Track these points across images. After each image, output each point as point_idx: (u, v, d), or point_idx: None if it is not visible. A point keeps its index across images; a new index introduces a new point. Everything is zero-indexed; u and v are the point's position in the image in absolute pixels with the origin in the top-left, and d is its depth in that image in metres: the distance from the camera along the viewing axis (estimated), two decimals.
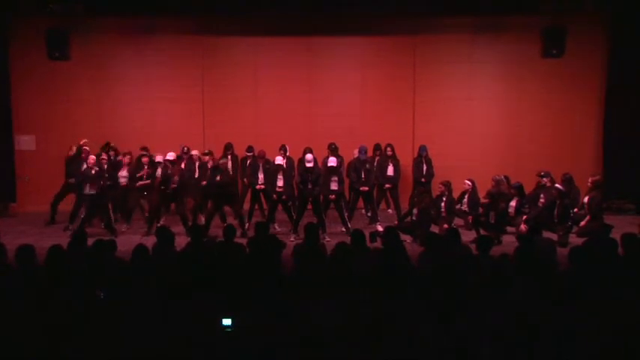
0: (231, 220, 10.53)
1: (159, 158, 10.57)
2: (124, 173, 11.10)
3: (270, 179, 10.44)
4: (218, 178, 10.27)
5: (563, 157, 12.59)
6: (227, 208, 10.79)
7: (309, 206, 10.19)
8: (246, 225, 10.53)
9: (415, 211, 10.01)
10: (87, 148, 11.01)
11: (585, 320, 4.82)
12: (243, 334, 4.85)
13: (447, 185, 10.36)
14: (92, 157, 10.42)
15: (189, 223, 9.97)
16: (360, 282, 5.47)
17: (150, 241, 7.71)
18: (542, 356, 4.74)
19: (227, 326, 4.85)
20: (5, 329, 4.89)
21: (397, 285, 5.54)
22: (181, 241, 7.65)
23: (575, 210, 10.34)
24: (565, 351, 4.71)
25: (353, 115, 13.16)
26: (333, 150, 11.53)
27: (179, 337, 4.83)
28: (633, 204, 12.30)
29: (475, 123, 13.12)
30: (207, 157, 11.00)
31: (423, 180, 11.71)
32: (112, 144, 11.87)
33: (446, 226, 9.69)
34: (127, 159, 11.27)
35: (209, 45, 13.08)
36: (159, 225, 9.75)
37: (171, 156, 10.61)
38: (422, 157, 11.88)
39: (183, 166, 11.24)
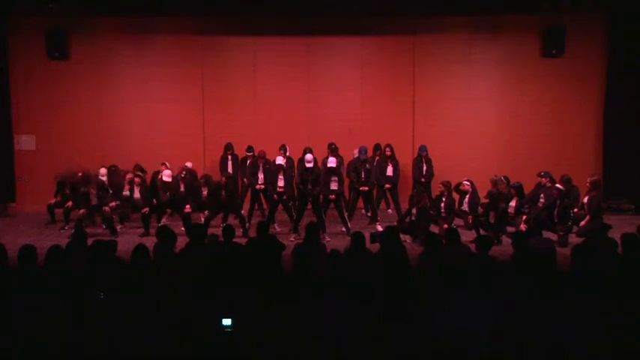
0: (230, 220, 10.54)
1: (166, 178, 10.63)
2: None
3: (271, 179, 10.45)
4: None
5: (562, 157, 12.61)
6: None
7: (309, 206, 10.19)
8: (247, 225, 10.56)
9: (414, 211, 10.02)
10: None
11: (585, 320, 4.82)
12: (243, 334, 4.86)
13: (447, 185, 10.37)
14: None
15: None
16: (360, 282, 5.47)
17: (149, 241, 7.72)
18: (542, 356, 4.75)
19: (227, 326, 4.85)
20: (5, 329, 4.89)
21: (397, 285, 5.54)
22: (181, 241, 7.64)
23: (575, 210, 10.34)
24: (565, 351, 4.72)
25: (353, 114, 13.16)
26: (333, 150, 11.54)
27: (179, 337, 4.83)
28: (633, 204, 12.31)
29: (475, 123, 13.12)
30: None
31: (422, 180, 11.71)
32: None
33: (446, 226, 9.69)
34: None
35: (209, 45, 13.08)
36: (160, 225, 9.75)
37: (167, 177, 10.64)
38: (422, 157, 11.88)
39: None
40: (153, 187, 10.74)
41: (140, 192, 10.76)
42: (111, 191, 10.85)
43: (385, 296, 5.28)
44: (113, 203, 10.66)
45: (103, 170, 11.17)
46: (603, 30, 12.81)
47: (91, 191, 10.36)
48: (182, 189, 10.81)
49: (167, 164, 11.18)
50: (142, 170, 11.40)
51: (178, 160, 11.58)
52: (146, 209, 10.40)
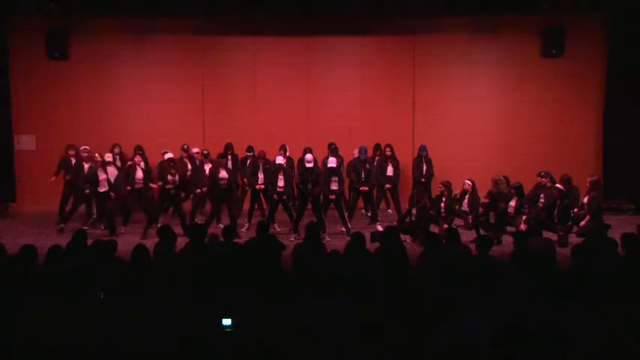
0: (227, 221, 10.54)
1: (168, 155, 10.58)
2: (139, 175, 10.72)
3: (271, 179, 10.46)
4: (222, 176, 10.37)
5: (562, 157, 12.61)
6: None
7: (309, 206, 10.20)
8: (247, 226, 10.63)
9: (414, 211, 10.02)
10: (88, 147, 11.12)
11: (585, 320, 4.82)
12: (243, 334, 4.86)
13: (447, 185, 10.37)
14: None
15: (188, 224, 9.97)
16: (360, 282, 5.48)
17: (149, 242, 7.72)
18: (542, 356, 4.75)
19: (227, 326, 4.86)
20: (5, 329, 4.89)
21: (397, 285, 5.54)
22: (181, 242, 7.64)
23: (575, 210, 10.35)
24: (565, 351, 4.72)
25: (353, 114, 13.16)
26: (333, 150, 11.53)
27: (179, 337, 4.83)
28: (633, 204, 12.31)
29: (475, 123, 13.12)
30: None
31: (422, 180, 11.71)
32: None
33: (446, 226, 9.69)
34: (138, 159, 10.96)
35: (209, 45, 13.08)
36: (159, 226, 9.73)
37: (169, 155, 10.62)
38: (422, 157, 11.87)
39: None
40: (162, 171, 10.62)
41: (143, 171, 10.65)
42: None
43: (385, 296, 5.28)
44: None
45: (109, 155, 10.88)
46: (603, 30, 12.81)
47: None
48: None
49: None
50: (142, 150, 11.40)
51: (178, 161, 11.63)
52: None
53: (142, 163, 10.81)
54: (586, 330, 4.75)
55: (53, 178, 11.25)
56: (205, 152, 11.18)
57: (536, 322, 4.84)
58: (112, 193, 10.46)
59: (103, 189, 10.34)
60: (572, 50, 12.77)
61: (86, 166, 10.94)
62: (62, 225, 10.66)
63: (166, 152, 10.91)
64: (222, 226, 9.65)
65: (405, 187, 12.07)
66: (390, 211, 12.08)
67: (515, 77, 13.11)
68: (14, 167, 12.78)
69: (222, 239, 7.29)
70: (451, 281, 5.36)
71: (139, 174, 10.59)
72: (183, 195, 10.88)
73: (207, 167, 10.84)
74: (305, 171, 10.21)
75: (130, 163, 11.15)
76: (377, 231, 8.81)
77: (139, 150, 11.27)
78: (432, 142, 12.23)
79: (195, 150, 11.79)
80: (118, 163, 11.34)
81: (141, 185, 10.62)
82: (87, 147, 11.16)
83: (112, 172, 10.69)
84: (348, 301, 5.06)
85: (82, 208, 11.13)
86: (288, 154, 11.42)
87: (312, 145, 11.73)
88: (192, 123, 13.07)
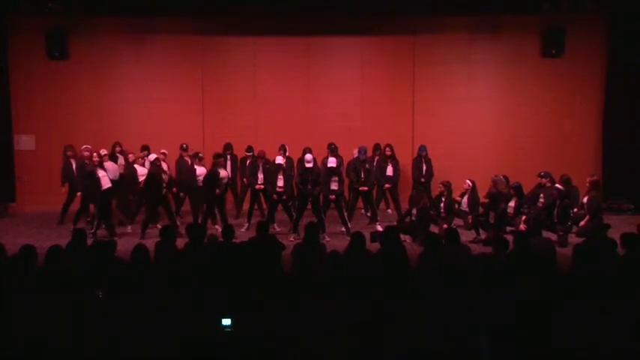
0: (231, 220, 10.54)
1: (151, 157, 10.59)
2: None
3: (271, 179, 10.46)
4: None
5: (562, 157, 12.62)
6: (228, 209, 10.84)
7: (309, 206, 10.20)
8: (247, 226, 10.63)
9: (414, 211, 10.03)
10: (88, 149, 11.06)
11: (585, 320, 4.82)
12: (244, 334, 4.86)
13: (447, 185, 10.38)
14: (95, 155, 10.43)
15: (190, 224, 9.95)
16: (360, 282, 5.48)
17: (149, 242, 7.72)
18: (542, 356, 4.75)
19: (227, 326, 4.86)
20: (6, 328, 4.89)
21: (397, 285, 5.55)
22: (181, 242, 7.64)
23: (575, 210, 10.35)
24: (565, 351, 4.72)
25: (352, 115, 13.16)
26: (332, 150, 11.53)
27: (179, 336, 4.84)
28: (632, 204, 12.31)
29: (474, 123, 13.12)
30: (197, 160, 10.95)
31: (422, 180, 11.71)
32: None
33: (445, 226, 9.69)
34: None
35: (209, 45, 13.07)
36: (161, 226, 9.71)
37: (152, 157, 10.60)
38: (421, 157, 11.87)
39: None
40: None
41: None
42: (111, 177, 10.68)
43: (385, 296, 5.29)
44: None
45: (104, 150, 10.88)
46: (603, 30, 12.81)
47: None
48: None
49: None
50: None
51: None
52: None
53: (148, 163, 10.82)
54: (586, 330, 4.76)
55: (64, 189, 11.18)
56: (200, 155, 11.06)
57: (536, 322, 4.85)
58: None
59: (106, 186, 10.24)
60: (572, 50, 12.77)
61: (74, 165, 10.98)
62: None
63: (163, 154, 10.93)
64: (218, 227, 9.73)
65: (405, 187, 12.07)
66: (389, 211, 12.08)
67: (515, 77, 13.10)
68: (14, 167, 12.76)
69: (221, 239, 7.30)
70: (451, 281, 5.36)
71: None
72: (182, 195, 11.06)
73: (200, 169, 10.73)
74: (305, 171, 10.21)
75: (133, 161, 11.09)
76: (377, 231, 8.80)
77: (145, 149, 11.26)
78: (431, 142, 12.23)
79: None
80: (122, 161, 11.32)
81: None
82: (88, 146, 11.12)
83: (111, 167, 10.73)
84: (348, 301, 5.06)
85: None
86: (287, 154, 11.41)
87: (312, 145, 11.72)
88: (192, 123, 13.05)
